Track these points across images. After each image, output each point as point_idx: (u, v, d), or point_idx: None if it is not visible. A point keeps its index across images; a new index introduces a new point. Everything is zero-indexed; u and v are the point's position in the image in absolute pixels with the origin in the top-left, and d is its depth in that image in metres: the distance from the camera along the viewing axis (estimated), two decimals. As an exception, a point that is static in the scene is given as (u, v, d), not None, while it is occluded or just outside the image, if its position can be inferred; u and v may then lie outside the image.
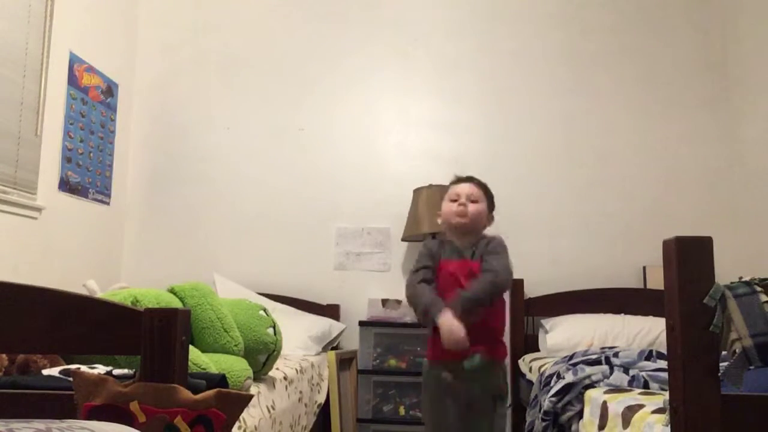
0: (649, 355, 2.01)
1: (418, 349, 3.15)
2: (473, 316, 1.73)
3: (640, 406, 1.51)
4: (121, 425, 0.83)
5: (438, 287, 1.86)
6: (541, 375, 2.31)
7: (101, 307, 1.10)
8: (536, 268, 3.36)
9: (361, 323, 3.19)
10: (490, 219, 1.98)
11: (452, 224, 1.93)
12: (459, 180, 2.02)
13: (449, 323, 1.71)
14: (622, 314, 3.01)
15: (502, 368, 1.90)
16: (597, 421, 1.76)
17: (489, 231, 2.00)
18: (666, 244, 1.08)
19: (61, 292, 1.09)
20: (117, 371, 1.37)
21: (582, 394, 1.99)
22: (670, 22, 3.51)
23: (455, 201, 1.95)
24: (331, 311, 3.37)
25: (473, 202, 1.93)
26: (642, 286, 3.28)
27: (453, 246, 1.92)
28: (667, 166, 3.42)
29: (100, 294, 1.90)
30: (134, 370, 1.37)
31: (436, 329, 1.79)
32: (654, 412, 1.43)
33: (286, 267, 3.50)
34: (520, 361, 3.08)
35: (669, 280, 1.07)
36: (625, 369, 1.97)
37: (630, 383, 1.92)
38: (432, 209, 3.13)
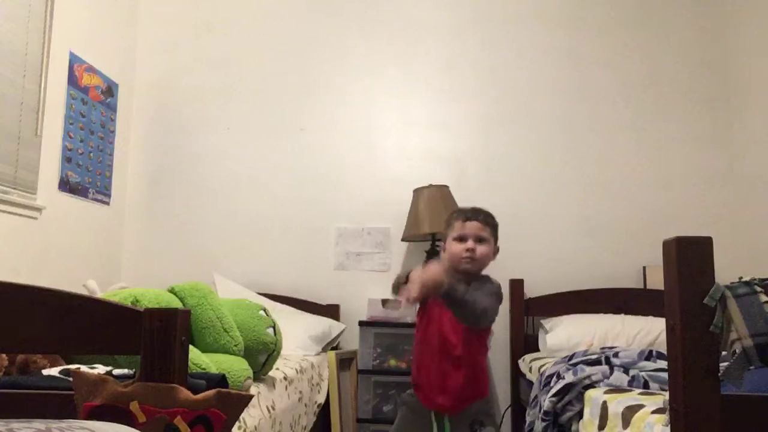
0: (649, 355, 2.01)
1: (418, 349, 3.15)
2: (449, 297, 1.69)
3: (640, 406, 1.51)
4: (121, 425, 0.83)
5: (423, 320, 1.87)
6: (541, 375, 2.31)
7: (101, 307, 1.10)
8: (536, 268, 3.36)
9: (361, 323, 3.19)
10: (495, 252, 1.92)
11: (459, 269, 1.86)
12: (465, 216, 1.92)
13: (430, 265, 1.70)
14: (622, 314, 3.01)
15: (483, 401, 1.87)
16: (597, 421, 1.76)
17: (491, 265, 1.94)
18: (666, 244, 1.08)
19: (61, 292, 1.09)
20: (117, 371, 1.37)
21: (582, 394, 1.99)
22: (670, 23, 3.51)
23: (462, 241, 1.87)
24: (331, 311, 3.37)
25: (480, 242, 1.86)
26: (642, 286, 3.28)
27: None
28: (667, 166, 3.42)
29: (100, 294, 1.90)
30: (134, 370, 1.37)
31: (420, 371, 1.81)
32: (654, 412, 1.43)
33: (286, 267, 3.50)
34: (520, 361, 3.08)
35: (669, 280, 1.07)
36: (625, 369, 1.97)
37: (630, 383, 1.92)
38: (432, 209, 3.13)
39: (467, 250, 1.84)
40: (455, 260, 1.87)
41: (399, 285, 1.80)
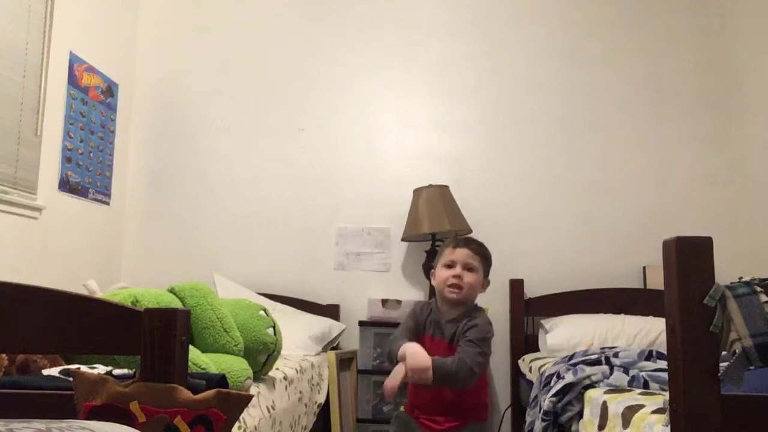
0: (649, 355, 2.00)
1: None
2: (440, 381, 1.70)
3: (640, 406, 1.51)
4: (121, 425, 0.83)
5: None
6: (541, 375, 2.30)
7: (101, 307, 1.10)
8: (536, 268, 3.36)
9: (361, 323, 3.19)
10: (485, 285, 1.91)
11: (445, 296, 1.86)
12: (455, 243, 1.91)
13: (414, 349, 1.68)
14: (622, 314, 3.01)
15: (479, 425, 1.87)
16: (597, 421, 1.76)
17: (483, 298, 1.93)
18: (666, 244, 1.08)
19: (61, 292, 1.09)
20: (117, 371, 1.37)
21: (582, 394, 1.98)
22: (670, 23, 3.51)
23: (451, 267, 1.86)
24: (331, 311, 3.37)
25: (469, 270, 1.85)
26: (642, 286, 3.28)
27: (437, 320, 1.86)
28: (667, 166, 3.42)
29: (100, 294, 1.90)
30: (134, 370, 1.37)
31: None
32: (654, 412, 1.43)
33: (286, 267, 3.50)
34: (520, 361, 3.08)
35: (669, 280, 1.07)
36: (625, 369, 1.97)
37: (630, 383, 1.91)
38: (432, 209, 3.13)
39: (454, 276, 1.81)
40: (441, 287, 1.85)
41: (391, 360, 1.77)
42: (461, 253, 1.85)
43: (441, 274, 1.86)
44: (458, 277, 1.82)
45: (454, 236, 2.04)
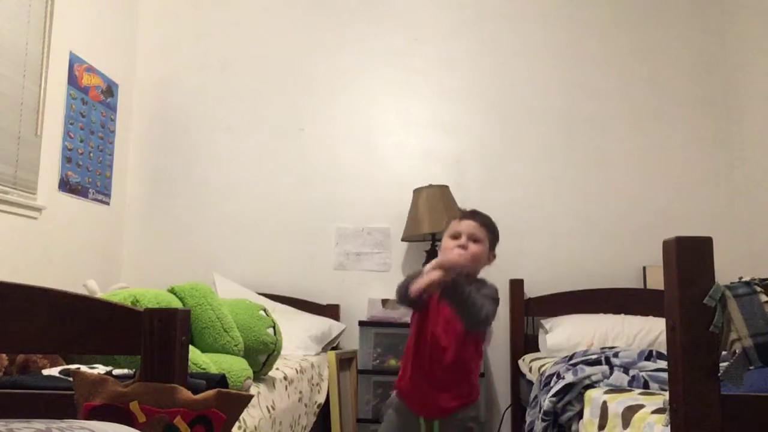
0: (649, 355, 2.01)
1: (418, 349, 3.15)
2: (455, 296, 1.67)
3: (640, 406, 1.51)
4: (121, 425, 0.83)
5: (416, 324, 1.84)
6: (541, 375, 2.31)
7: (101, 307, 1.10)
8: (536, 268, 3.36)
9: (361, 323, 3.19)
10: (490, 258, 1.89)
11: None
12: (463, 215, 1.92)
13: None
14: (622, 314, 3.01)
15: (472, 407, 1.84)
16: (597, 421, 1.76)
17: (488, 270, 1.90)
18: (666, 244, 1.08)
19: (61, 292, 1.09)
20: (117, 371, 1.37)
21: (582, 394, 1.99)
22: (670, 23, 3.51)
23: (456, 238, 1.86)
24: (331, 311, 3.37)
25: (474, 241, 1.84)
26: (642, 286, 3.28)
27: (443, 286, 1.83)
28: (667, 166, 3.42)
29: (100, 294, 1.90)
30: (134, 370, 1.37)
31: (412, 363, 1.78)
32: (654, 412, 1.43)
33: (286, 267, 3.50)
34: (520, 361, 3.08)
35: (669, 280, 1.07)
36: (625, 369, 1.97)
37: (630, 383, 1.92)
38: (432, 209, 3.13)
39: (459, 246, 1.81)
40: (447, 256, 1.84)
41: (410, 279, 1.74)
42: (467, 224, 1.86)
43: (446, 244, 1.87)
44: (463, 247, 1.81)
45: (461, 210, 2.02)
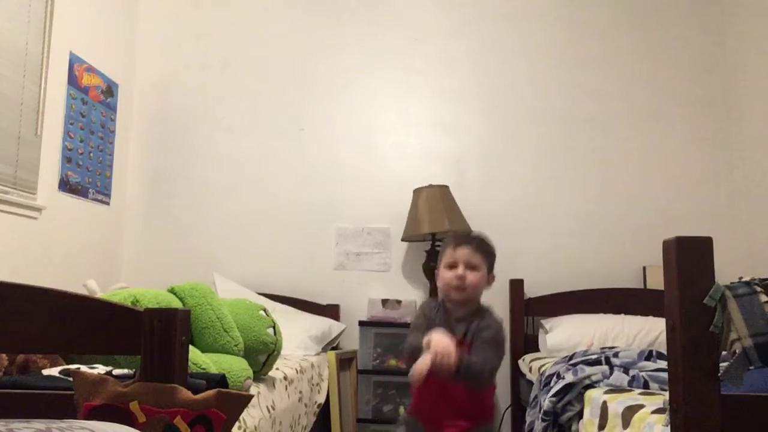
0: (649, 355, 2.01)
1: (418, 349, 3.15)
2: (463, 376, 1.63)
3: (640, 406, 1.51)
4: (121, 425, 0.83)
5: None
6: (541, 375, 2.31)
7: (101, 307, 1.10)
8: (536, 268, 3.36)
9: (361, 323, 3.19)
10: (490, 280, 1.86)
11: (449, 297, 1.83)
12: (456, 242, 1.86)
13: (440, 334, 1.63)
14: (622, 314, 3.01)
15: (486, 428, 1.83)
16: (597, 421, 1.76)
17: (487, 295, 1.86)
18: (666, 244, 1.08)
19: (61, 292, 1.09)
20: (117, 371, 1.37)
21: (582, 394, 1.99)
22: (670, 23, 3.51)
23: (453, 267, 1.81)
24: (331, 311, 3.37)
25: (472, 269, 1.80)
26: (642, 286, 3.28)
27: (446, 319, 1.82)
28: (667, 166, 3.42)
29: (100, 294, 1.90)
30: (134, 370, 1.37)
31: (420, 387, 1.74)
32: (654, 412, 1.43)
33: (286, 267, 3.50)
34: (520, 361, 3.08)
35: (669, 280, 1.07)
36: (625, 369, 1.97)
37: (630, 383, 1.92)
38: (432, 209, 3.13)
39: (456, 277, 1.77)
40: (445, 289, 1.82)
41: (414, 352, 1.69)
42: (462, 253, 1.81)
43: (444, 275, 1.83)
44: (461, 278, 1.78)
45: (453, 234, 1.97)
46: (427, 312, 1.85)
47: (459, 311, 1.82)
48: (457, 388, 1.73)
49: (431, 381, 1.70)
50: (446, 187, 3.26)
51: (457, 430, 1.76)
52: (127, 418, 0.93)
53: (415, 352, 1.68)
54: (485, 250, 1.84)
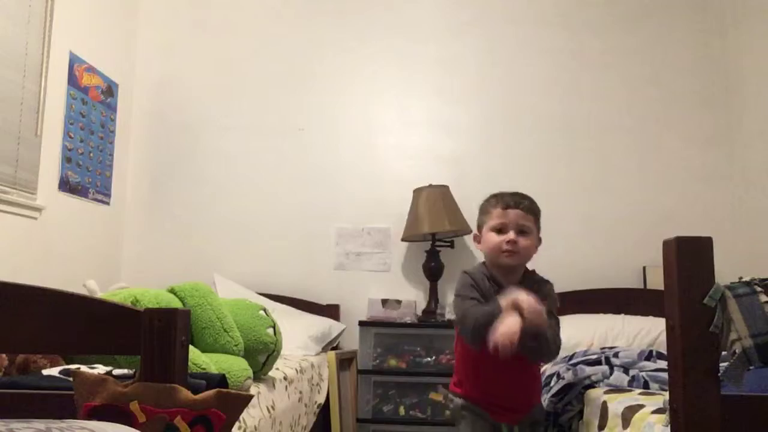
0: (649, 355, 2.01)
1: (418, 349, 3.15)
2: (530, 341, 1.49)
3: (640, 406, 1.51)
4: (121, 425, 0.83)
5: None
6: (541, 375, 2.31)
7: (101, 307, 1.10)
8: (536, 268, 3.35)
9: (361, 323, 3.19)
10: (538, 244, 1.70)
11: (499, 262, 1.66)
12: (506, 203, 1.67)
13: (524, 293, 1.45)
14: (622, 314, 3.01)
15: (539, 405, 1.80)
16: (597, 421, 1.76)
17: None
18: (666, 244, 1.08)
19: (61, 292, 1.09)
20: (117, 371, 1.37)
21: (582, 394, 1.99)
22: (670, 23, 3.51)
23: (501, 232, 1.64)
24: (331, 311, 3.37)
25: (523, 233, 1.63)
26: (642, 286, 3.28)
27: (499, 288, 1.64)
28: (667, 166, 3.42)
29: (100, 294, 1.90)
30: (134, 370, 1.37)
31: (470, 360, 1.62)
32: (654, 412, 1.43)
33: (286, 267, 3.50)
34: (520, 361, 3.08)
35: (669, 280, 1.07)
36: (625, 369, 1.98)
37: (630, 383, 1.92)
38: (432, 209, 3.13)
39: (508, 242, 1.62)
40: (493, 253, 1.66)
41: (486, 319, 1.50)
42: (514, 215, 1.65)
43: (491, 239, 1.65)
44: (513, 242, 1.62)
45: (500, 193, 1.76)
46: (479, 280, 1.67)
47: (510, 278, 1.67)
48: (519, 365, 1.57)
49: (488, 360, 1.51)
50: (446, 187, 3.25)
51: (523, 413, 1.67)
52: (127, 418, 0.93)
53: (490, 320, 1.47)
54: (536, 211, 1.70)
